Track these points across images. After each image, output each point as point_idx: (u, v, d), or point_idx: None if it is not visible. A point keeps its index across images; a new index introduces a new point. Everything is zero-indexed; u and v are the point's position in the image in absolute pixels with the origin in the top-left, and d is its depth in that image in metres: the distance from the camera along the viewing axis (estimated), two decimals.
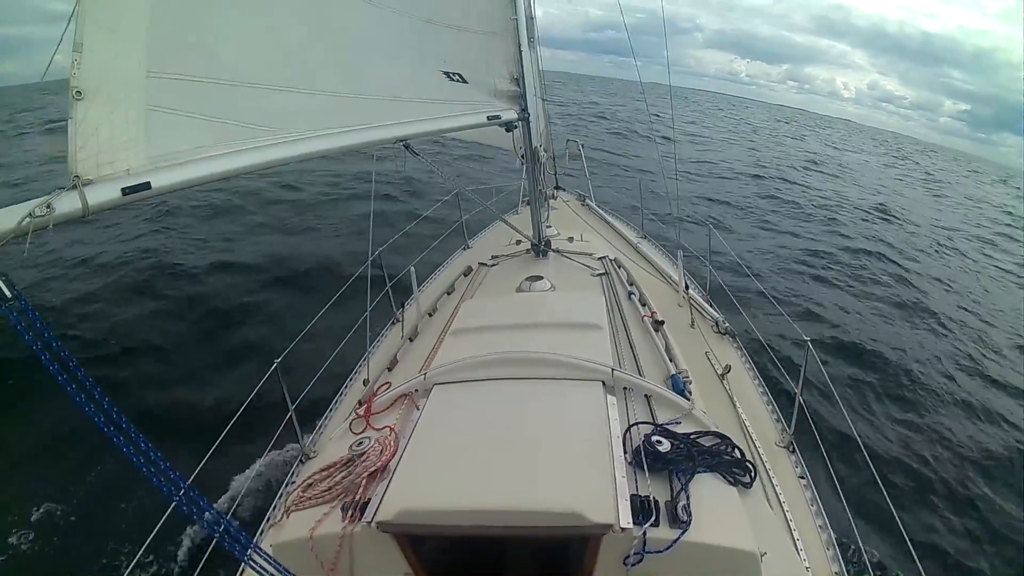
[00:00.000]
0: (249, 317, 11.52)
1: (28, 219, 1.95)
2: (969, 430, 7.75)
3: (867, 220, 21.32)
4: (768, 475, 3.40)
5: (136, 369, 9.52)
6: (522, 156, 5.74)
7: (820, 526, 3.20)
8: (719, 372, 4.18)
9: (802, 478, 3.52)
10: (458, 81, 4.52)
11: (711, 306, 5.48)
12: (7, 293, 1.73)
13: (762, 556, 2.25)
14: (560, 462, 2.55)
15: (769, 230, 17.45)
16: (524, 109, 5.05)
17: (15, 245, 1.93)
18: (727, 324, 5.13)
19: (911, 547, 3.06)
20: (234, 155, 2.70)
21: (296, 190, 18.38)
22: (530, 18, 5.60)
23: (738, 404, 3.90)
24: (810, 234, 17.64)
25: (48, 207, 2.01)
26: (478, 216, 8.87)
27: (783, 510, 3.20)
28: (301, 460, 3.85)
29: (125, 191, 2.26)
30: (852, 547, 3.60)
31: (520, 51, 4.99)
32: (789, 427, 3.85)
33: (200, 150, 2.63)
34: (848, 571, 2.98)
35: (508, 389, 3.12)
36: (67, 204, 2.09)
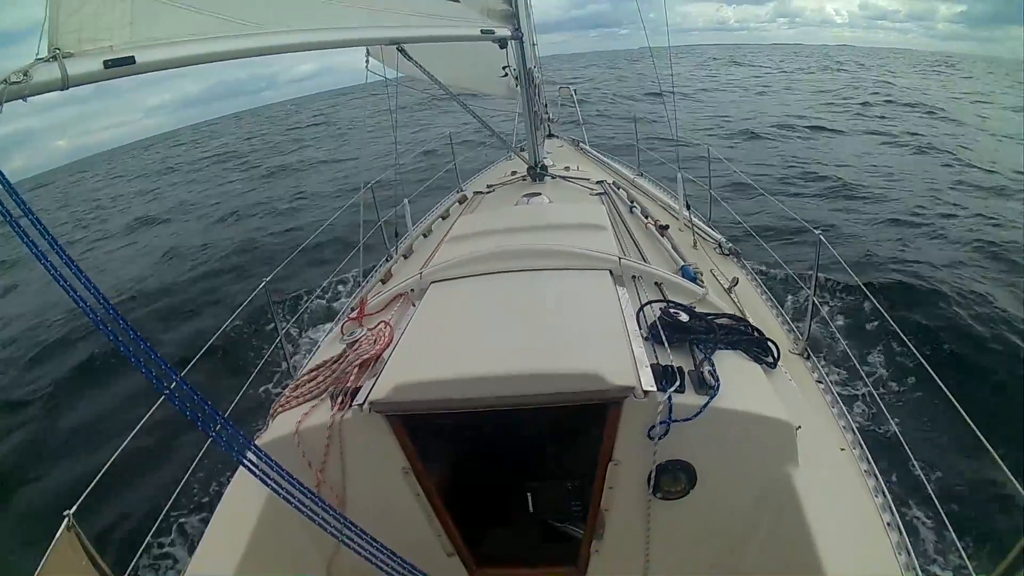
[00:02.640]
0: (240, 246, 11.53)
1: (3, 85, 1.81)
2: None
3: None
4: (784, 370, 3.30)
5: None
6: (516, 78, 5.58)
7: (844, 427, 3.03)
8: (726, 286, 4.10)
9: (820, 383, 3.38)
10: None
11: (713, 229, 5.39)
12: None
13: (796, 428, 2.14)
14: (571, 334, 2.39)
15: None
16: (517, 28, 4.88)
17: None
18: (731, 245, 5.04)
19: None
20: (222, 40, 2.55)
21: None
22: None
23: (747, 315, 3.84)
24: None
25: (25, 75, 1.88)
26: (469, 162, 8.73)
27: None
28: (287, 385, 3.75)
29: (107, 63, 2.10)
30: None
31: None
32: (803, 335, 3.76)
33: (185, 36, 2.49)
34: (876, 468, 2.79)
35: (510, 281, 2.95)
36: (45, 74, 1.93)
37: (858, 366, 3.77)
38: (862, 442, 2.87)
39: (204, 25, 2.59)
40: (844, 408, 3.17)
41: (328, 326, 4.47)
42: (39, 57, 2.01)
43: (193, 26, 2.55)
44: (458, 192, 7.39)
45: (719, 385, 2.11)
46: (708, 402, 2.05)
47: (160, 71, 2.33)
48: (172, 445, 5.35)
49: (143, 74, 2.25)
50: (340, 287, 7.22)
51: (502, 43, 4.71)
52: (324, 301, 7.39)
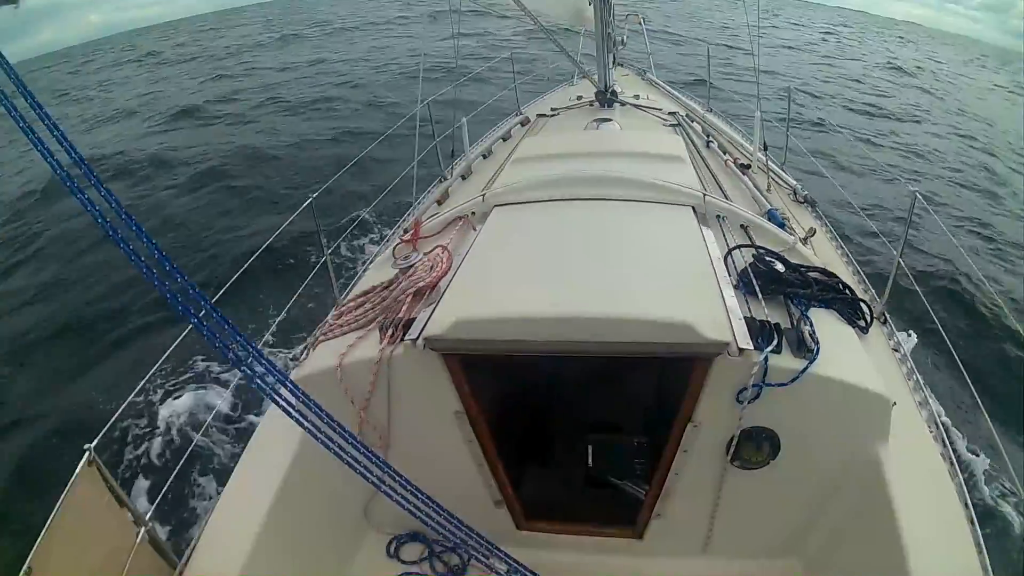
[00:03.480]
0: (291, 155, 11.51)
1: None
2: None
3: None
4: (874, 337, 3.00)
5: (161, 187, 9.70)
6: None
7: (920, 402, 2.76)
8: (801, 236, 3.76)
9: (896, 351, 3.09)
10: None
11: (787, 173, 4.96)
12: None
13: (892, 404, 1.93)
14: (654, 277, 2.14)
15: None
16: None
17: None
18: (806, 192, 4.63)
19: None
20: None
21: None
22: None
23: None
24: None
25: None
26: (528, 85, 8.26)
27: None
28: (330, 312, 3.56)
29: None
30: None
31: None
32: (881, 297, 3.44)
33: None
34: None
35: (582, 210, 2.67)
36: None
37: (946, 337, 3.40)
38: (941, 423, 2.62)
39: None
40: (922, 381, 2.89)
41: (378, 248, 4.25)
42: None
43: None
44: (518, 115, 7.02)
45: (819, 349, 1.88)
46: (807, 367, 1.84)
47: None
48: (201, 372, 5.32)
49: None
50: (391, 206, 6.83)
51: None
52: (373, 219, 7.07)
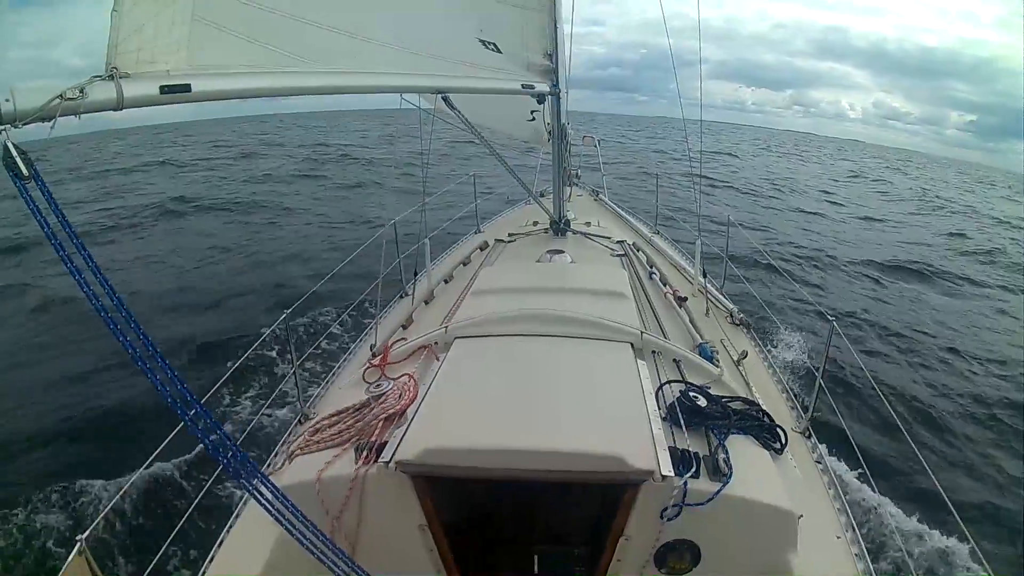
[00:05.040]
0: (260, 272, 11.55)
1: (58, 100, 1.80)
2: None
3: None
4: (788, 455, 3.31)
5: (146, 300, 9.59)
6: (549, 133, 5.64)
7: (839, 509, 3.10)
8: (735, 358, 4.09)
9: (819, 463, 3.42)
10: (493, 50, 4.43)
11: (726, 298, 5.38)
12: (24, 171, 1.58)
13: (799, 518, 2.21)
14: (594, 411, 2.46)
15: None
16: (555, 84, 4.96)
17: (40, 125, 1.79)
18: (742, 315, 5.03)
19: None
20: (276, 75, 2.60)
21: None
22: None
23: (754, 389, 3.81)
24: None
25: (81, 92, 1.87)
26: (488, 201, 8.75)
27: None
28: (300, 421, 3.70)
29: (163, 89, 2.12)
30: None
31: (556, 28, 4.92)
32: (806, 413, 3.76)
33: (240, 67, 2.53)
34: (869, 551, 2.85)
35: (534, 345, 3.01)
36: (101, 93, 1.94)
37: (857, 452, 3.75)
38: (856, 527, 2.93)
39: (255, 55, 2.64)
40: (841, 491, 3.23)
41: (343, 359, 4.44)
42: (96, 75, 2.01)
43: (245, 55, 2.61)
44: (476, 232, 7.42)
45: (731, 473, 2.20)
46: (720, 489, 2.14)
47: (213, 101, 2.36)
48: (182, 468, 5.31)
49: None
50: (357, 317, 7.08)
51: (540, 98, 4.77)
52: (340, 331, 7.23)
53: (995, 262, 16.47)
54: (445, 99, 3.84)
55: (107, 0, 2.22)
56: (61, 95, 1.81)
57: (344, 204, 19.03)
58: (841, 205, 24.90)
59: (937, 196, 34.22)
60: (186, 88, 2.18)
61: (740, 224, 6.46)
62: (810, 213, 21.50)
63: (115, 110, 2.01)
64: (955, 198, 35.41)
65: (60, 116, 1.79)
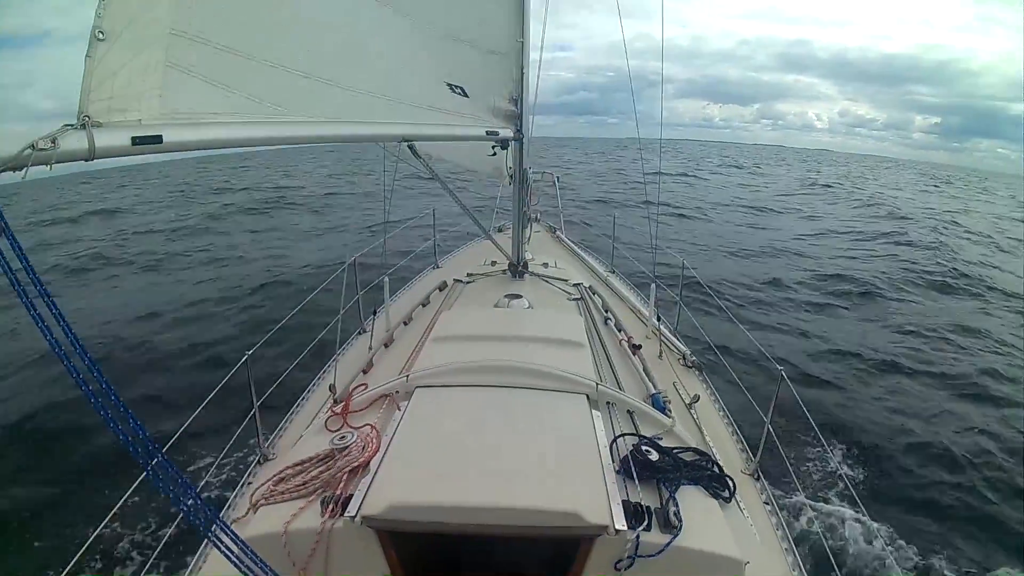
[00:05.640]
0: (221, 315, 11.39)
1: (30, 150, 1.81)
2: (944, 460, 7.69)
3: None
4: (737, 500, 3.46)
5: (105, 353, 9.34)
6: (511, 176, 5.78)
7: (786, 549, 3.28)
8: (686, 402, 4.25)
9: (767, 504, 3.59)
10: (460, 94, 4.55)
11: (679, 340, 5.56)
12: None
13: (745, 564, 2.34)
14: (551, 465, 2.56)
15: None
16: (519, 130, 5.11)
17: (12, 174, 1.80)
18: (694, 358, 5.21)
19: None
20: (247, 125, 2.65)
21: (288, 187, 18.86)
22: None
23: (705, 432, 3.96)
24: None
25: (52, 142, 1.89)
26: (447, 237, 8.85)
27: (753, 533, 3.25)
28: (259, 461, 3.72)
29: (135, 140, 2.15)
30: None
31: (522, 73, 5.08)
32: (755, 455, 3.92)
33: (213, 116, 2.58)
34: None
35: (493, 396, 3.12)
36: (73, 142, 1.95)
37: (803, 496, 3.96)
38: (802, 568, 3.12)
39: (229, 102, 2.68)
40: (788, 533, 3.40)
41: (301, 398, 4.45)
42: (68, 124, 2.03)
43: (219, 103, 2.65)
44: (435, 268, 7.50)
45: (681, 526, 2.34)
46: (671, 541, 2.27)
47: (185, 152, 2.39)
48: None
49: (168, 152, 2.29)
50: (316, 355, 6.97)
51: (504, 144, 4.91)
52: (299, 373, 7.15)
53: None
54: (410, 147, 3.93)
55: (79, 43, 2.25)
56: (32, 144, 1.83)
57: (300, 244, 18.92)
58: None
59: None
60: (158, 139, 2.21)
61: (693, 269, 6.68)
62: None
63: (86, 160, 2.03)
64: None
65: (32, 166, 1.82)
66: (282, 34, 3.03)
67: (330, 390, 3.85)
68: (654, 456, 2.68)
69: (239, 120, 2.63)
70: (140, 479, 2.02)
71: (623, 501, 2.39)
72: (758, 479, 3.83)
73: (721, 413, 4.60)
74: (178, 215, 27.49)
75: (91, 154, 2.02)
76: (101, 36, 2.15)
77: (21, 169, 1.79)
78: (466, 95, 4.59)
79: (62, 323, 1.64)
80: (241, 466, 3.97)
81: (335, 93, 3.29)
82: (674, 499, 2.47)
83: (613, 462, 2.66)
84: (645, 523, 2.29)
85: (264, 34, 2.91)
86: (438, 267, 7.57)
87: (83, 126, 2.05)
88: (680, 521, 2.35)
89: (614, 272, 7.72)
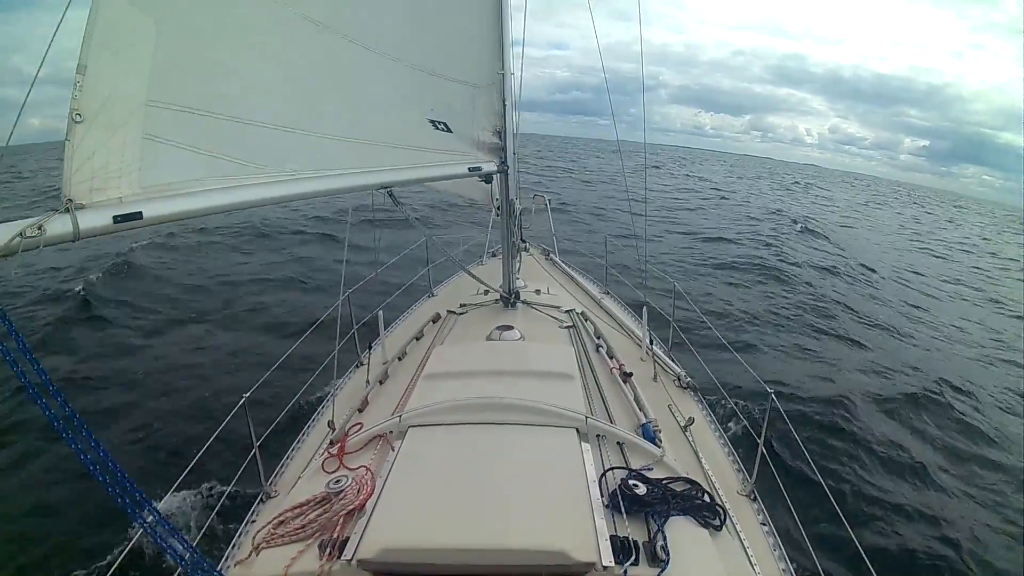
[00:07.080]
0: (218, 354, 11.33)
1: (19, 238, 1.93)
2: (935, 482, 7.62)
3: None
4: (733, 522, 3.47)
5: (99, 399, 9.25)
6: (498, 208, 5.83)
7: (783, 570, 3.27)
8: (682, 424, 4.28)
9: (764, 525, 3.59)
10: (443, 130, 4.61)
11: (673, 361, 5.57)
12: None
13: None
14: (540, 503, 2.63)
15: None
16: (504, 162, 5.16)
17: (3, 261, 1.91)
18: (689, 379, 5.21)
19: None
20: (225, 191, 2.73)
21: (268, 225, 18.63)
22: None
23: (701, 455, 3.98)
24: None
25: (39, 228, 2.00)
26: (442, 265, 8.90)
27: (747, 556, 3.26)
28: (262, 499, 3.75)
29: (116, 219, 2.25)
30: None
31: (504, 105, 5.13)
32: (751, 476, 3.93)
33: (193, 183, 2.66)
34: None
35: (484, 434, 3.19)
36: (59, 227, 2.08)
37: (796, 519, 3.93)
38: None
39: (208, 166, 2.75)
40: (785, 553, 3.38)
41: (302, 434, 4.49)
42: (52, 209, 2.12)
43: (199, 168, 2.71)
44: (429, 296, 7.55)
45: (669, 560, 2.39)
46: (658, 574, 2.33)
47: (166, 223, 2.46)
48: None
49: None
50: (316, 386, 7.03)
51: (487, 179, 4.96)
52: (301, 403, 7.15)
53: None
54: (390, 195, 3.98)
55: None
56: (21, 233, 1.94)
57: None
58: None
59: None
60: (138, 216, 2.30)
61: (686, 294, 6.71)
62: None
63: (72, 242, 2.12)
64: None
65: (23, 251, 1.93)
66: (257, 90, 3.10)
67: (329, 426, 3.92)
68: (641, 490, 2.73)
69: (217, 187, 2.71)
70: (136, 536, 2.11)
71: (611, 536, 2.45)
72: (755, 500, 3.83)
73: (717, 433, 4.59)
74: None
75: (76, 236, 2.12)
76: (79, 118, 2.24)
77: (13, 255, 1.91)
78: (449, 130, 4.64)
79: (59, 398, 1.78)
80: (247, 502, 3.99)
81: (313, 143, 3.35)
82: (662, 532, 2.53)
83: (602, 496, 2.71)
84: (632, 558, 2.35)
85: (239, 92, 2.98)
86: (433, 295, 7.63)
87: (67, 210, 2.14)
88: (667, 554, 2.40)
89: (608, 294, 7.74)
